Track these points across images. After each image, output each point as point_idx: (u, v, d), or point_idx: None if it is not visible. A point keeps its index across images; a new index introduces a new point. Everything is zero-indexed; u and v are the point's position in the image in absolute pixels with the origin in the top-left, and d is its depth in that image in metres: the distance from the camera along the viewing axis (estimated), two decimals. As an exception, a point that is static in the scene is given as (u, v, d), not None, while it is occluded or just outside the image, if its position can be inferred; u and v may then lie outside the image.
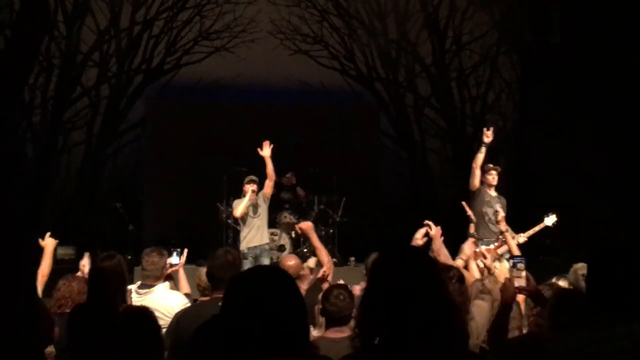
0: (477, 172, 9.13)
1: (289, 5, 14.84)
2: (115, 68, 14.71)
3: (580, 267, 5.32)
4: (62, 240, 12.63)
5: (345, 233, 12.41)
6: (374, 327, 2.43)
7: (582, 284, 4.77)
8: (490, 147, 9.17)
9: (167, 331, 4.39)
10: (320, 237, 11.85)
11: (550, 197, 11.97)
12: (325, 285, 5.28)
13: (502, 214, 7.44)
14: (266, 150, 9.50)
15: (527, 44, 14.19)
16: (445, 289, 2.50)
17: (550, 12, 13.65)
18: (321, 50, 15.28)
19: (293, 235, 11.52)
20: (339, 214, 12.33)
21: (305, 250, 11.58)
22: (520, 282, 3.95)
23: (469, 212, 8.48)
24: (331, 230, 12.31)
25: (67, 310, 4.38)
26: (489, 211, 8.96)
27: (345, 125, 14.59)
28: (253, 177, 9.89)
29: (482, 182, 9.23)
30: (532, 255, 6.66)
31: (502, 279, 5.27)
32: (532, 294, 4.12)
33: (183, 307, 4.90)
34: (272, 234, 11.16)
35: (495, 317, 4.00)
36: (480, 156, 9.09)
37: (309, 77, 14.85)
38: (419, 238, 5.02)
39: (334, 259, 10.90)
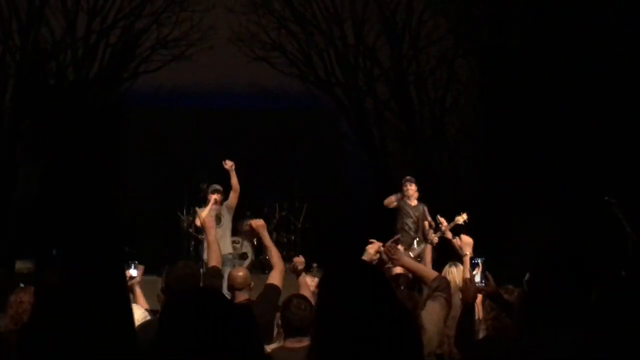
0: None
1: (246, 13, 14.84)
2: (73, 77, 14.56)
3: None
4: (22, 253, 12.53)
5: (307, 239, 12.42)
6: (328, 340, 2.44)
7: None
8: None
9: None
10: (282, 244, 11.96)
11: (511, 196, 12.13)
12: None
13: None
14: (229, 164, 9.49)
15: (485, 46, 14.35)
16: (393, 299, 2.52)
17: (510, 14, 13.80)
18: (280, 56, 15.30)
19: (255, 242, 11.50)
20: (301, 220, 12.33)
21: (267, 257, 11.56)
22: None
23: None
24: (293, 237, 12.31)
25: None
26: (409, 221, 9.61)
27: (306, 130, 14.63)
28: (217, 187, 9.83)
29: (402, 195, 9.74)
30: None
31: (457, 282, 5.35)
32: (491, 294, 4.14)
33: (142, 320, 4.86)
34: (233, 242, 11.10)
35: (459, 319, 4.02)
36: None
37: (268, 83, 14.87)
38: (371, 254, 5.01)
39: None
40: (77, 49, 14.55)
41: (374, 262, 4.89)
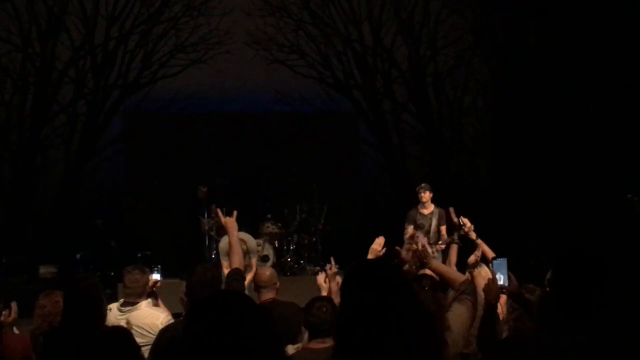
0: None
1: (263, 16, 14.89)
2: (92, 84, 14.67)
3: None
4: (43, 259, 12.63)
5: (327, 241, 12.42)
6: (351, 341, 2.46)
7: None
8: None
9: (151, 348, 4.39)
10: (302, 246, 11.98)
11: (529, 196, 12.09)
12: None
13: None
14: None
15: (501, 46, 14.31)
16: (415, 300, 2.53)
17: (525, 14, 13.76)
18: (298, 59, 15.32)
19: (276, 244, 11.55)
20: (322, 222, 12.33)
21: (289, 259, 11.60)
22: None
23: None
24: (314, 239, 12.31)
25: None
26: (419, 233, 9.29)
27: (324, 133, 14.66)
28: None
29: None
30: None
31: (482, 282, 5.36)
32: (514, 294, 4.16)
33: (167, 323, 4.90)
34: (255, 244, 11.16)
35: (481, 319, 4.04)
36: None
37: (286, 86, 14.89)
38: (377, 250, 5.05)
39: (317, 267, 10.92)
40: (96, 56, 14.66)
41: (380, 255, 4.94)
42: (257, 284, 5.57)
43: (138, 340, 4.12)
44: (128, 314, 5.00)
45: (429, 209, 9.72)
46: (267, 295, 5.50)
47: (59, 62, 14.40)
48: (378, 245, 5.08)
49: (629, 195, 7.81)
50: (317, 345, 4.24)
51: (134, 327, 4.76)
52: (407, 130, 15.56)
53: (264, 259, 11.30)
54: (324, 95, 15.35)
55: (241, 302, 2.42)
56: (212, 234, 11.35)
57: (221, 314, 2.30)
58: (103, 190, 14.45)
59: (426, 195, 9.69)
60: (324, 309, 4.31)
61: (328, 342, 4.11)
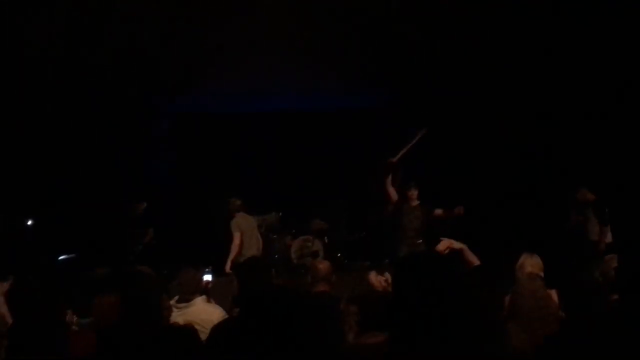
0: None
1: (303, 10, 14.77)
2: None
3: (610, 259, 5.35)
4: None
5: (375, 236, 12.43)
6: (403, 333, 2.48)
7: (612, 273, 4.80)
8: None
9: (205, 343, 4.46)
10: (352, 241, 12.02)
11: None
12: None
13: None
14: None
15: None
16: (466, 289, 2.54)
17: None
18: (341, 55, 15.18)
19: (326, 240, 11.60)
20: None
21: (339, 255, 11.65)
22: None
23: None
24: (363, 234, 12.34)
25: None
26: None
27: (363, 128, 14.66)
28: None
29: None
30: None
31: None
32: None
33: (221, 319, 4.97)
34: (305, 240, 11.23)
35: None
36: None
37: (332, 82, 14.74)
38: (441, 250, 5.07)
39: (367, 262, 10.96)
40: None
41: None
42: (313, 276, 5.65)
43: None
44: (184, 310, 5.10)
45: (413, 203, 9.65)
46: (321, 287, 5.56)
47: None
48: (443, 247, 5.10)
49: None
50: (370, 339, 4.26)
51: (190, 323, 4.85)
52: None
53: (314, 254, 11.38)
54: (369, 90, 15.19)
55: (288, 299, 2.49)
56: (262, 230, 11.45)
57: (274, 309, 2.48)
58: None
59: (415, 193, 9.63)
60: (376, 303, 4.33)
61: (379, 337, 4.12)
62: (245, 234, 10.13)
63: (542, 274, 5.61)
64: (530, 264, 5.77)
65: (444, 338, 2.41)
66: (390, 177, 9.06)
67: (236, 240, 10.00)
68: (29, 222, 11.21)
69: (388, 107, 14.86)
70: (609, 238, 8.76)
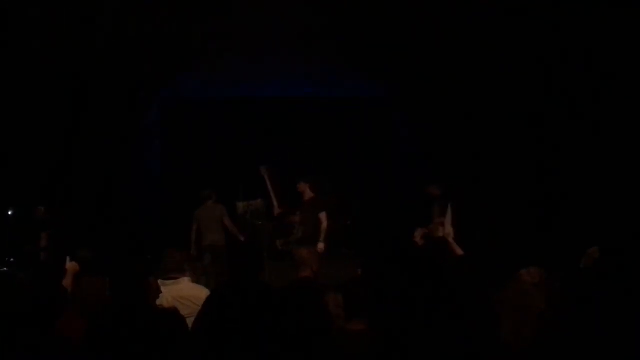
0: None
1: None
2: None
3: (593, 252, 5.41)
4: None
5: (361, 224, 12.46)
6: (383, 320, 2.52)
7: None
8: None
9: (198, 314, 4.51)
10: (337, 230, 12.06)
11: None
12: None
13: None
14: None
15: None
16: (444, 279, 2.58)
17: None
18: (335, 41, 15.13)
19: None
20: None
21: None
22: None
23: None
24: (348, 222, 12.37)
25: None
26: None
27: (359, 118, 14.71)
28: None
29: None
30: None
31: None
32: None
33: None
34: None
35: None
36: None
37: (323, 68, 14.68)
38: (417, 237, 5.15)
39: (351, 250, 11.00)
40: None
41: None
42: (296, 263, 5.71)
43: (184, 312, 4.27)
44: (171, 287, 5.21)
45: None
46: (304, 273, 5.62)
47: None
48: (419, 235, 5.18)
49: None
50: (355, 326, 4.29)
51: (178, 299, 4.96)
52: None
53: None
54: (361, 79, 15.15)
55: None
56: (248, 217, 11.47)
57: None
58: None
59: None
60: (361, 290, 4.36)
61: (361, 324, 4.15)
62: (201, 224, 11.06)
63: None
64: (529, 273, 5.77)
65: (425, 326, 2.45)
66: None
67: (191, 232, 11.09)
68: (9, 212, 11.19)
69: (380, 97, 14.94)
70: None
